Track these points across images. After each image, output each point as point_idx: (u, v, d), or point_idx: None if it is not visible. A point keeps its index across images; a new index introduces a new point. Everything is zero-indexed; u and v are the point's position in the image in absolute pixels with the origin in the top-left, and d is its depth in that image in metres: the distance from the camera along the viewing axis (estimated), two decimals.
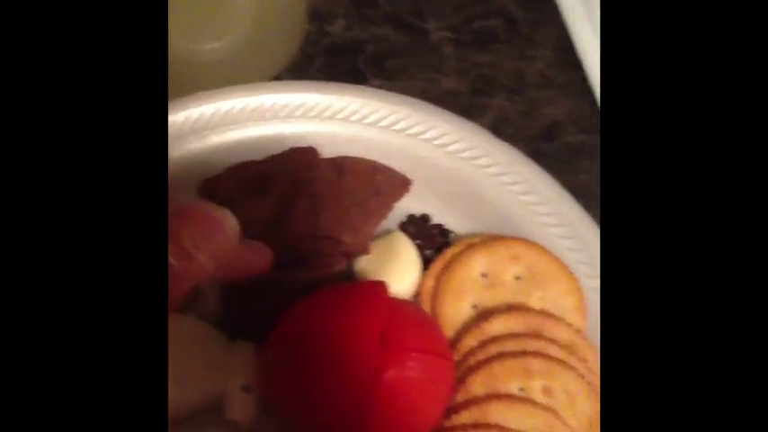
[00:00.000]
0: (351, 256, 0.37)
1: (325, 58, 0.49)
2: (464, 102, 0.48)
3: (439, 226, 0.41)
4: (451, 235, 0.41)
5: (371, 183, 0.38)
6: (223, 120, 0.41)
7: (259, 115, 0.41)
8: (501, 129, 0.47)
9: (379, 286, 0.32)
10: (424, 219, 0.41)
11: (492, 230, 0.40)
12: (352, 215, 0.37)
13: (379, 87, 0.47)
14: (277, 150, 0.41)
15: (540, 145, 0.47)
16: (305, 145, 0.41)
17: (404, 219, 0.41)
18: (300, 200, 0.36)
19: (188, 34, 0.42)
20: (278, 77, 0.47)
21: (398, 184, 0.39)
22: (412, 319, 0.32)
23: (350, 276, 0.38)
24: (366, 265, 0.37)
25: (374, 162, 0.40)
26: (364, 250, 0.37)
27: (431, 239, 0.41)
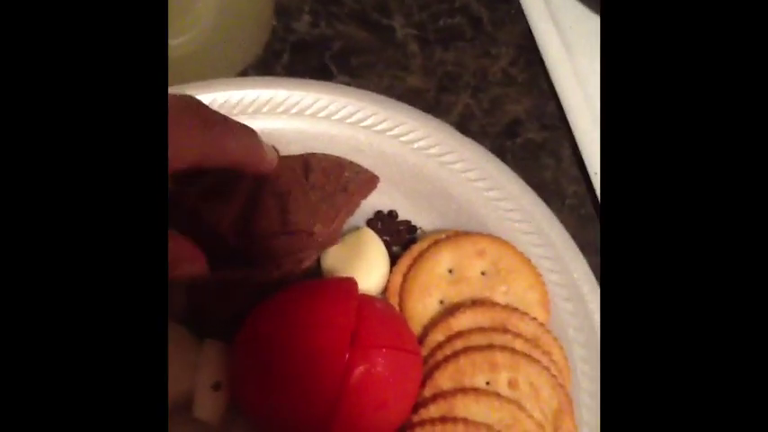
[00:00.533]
0: (322, 247, 0.37)
1: (291, 55, 0.48)
2: (430, 99, 0.49)
3: (406, 222, 0.42)
4: (418, 231, 0.42)
5: (339, 179, 0.39)
6: None
7: (226, 111, 0.41)
8: (466, 126, 0.48)
9: (349, 283, 0.32)
10: (392, 215, 0.42)
11: (458, 226, 0.41)
12: (321, 206, 0.37)
13: (346, 84, 0.48)
14: None
15: (503, 142, 0.48)
16: (271, 141, 0.41)
17: (371, 215, 0.41)
18: (267, 198, 0.36)
19: None
20: (244, 73, 0.47)
21: (366, 181, 0.40)
22: (380, 315, 0.32)
23: (317, 273, 0.38)
24: (334, 261, 0.38)
25: (341, 159, 0.40)
26: (335, 239, 0.37)
27: (398, 235, 0.41)
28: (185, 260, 0.31)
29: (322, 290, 0.32)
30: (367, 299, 0.32)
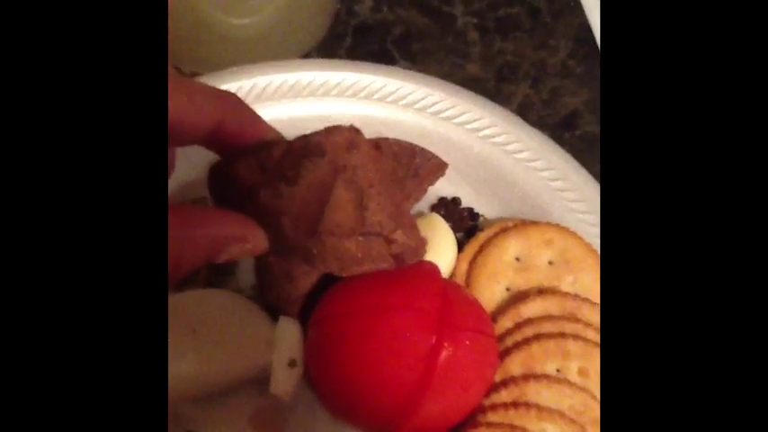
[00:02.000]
0: (403, 259, 0.32)
1: (353, 39, 0.49)
2: (489, 88, 0.49)
3: (469, 209, 0.42)
4: (481, 218, 0.42)
5: (410, 165, 0.39)
6: (260, 95, 0.41)
7: (296, 92, 0.41)
8: (524, 116, 0.48)
9: (432, 266, 0.32)
10: (455, 202, 0.42)
11: (520, 215, 0.41)
12: (407, 210, 0.33)
13: (407, 69, 0.48)
14: (311, 130, 0.41)
15: (561, 133, 0.48)
16: (338, 124, 0.40)
17: (435, 201, 0.42)
18: (341, 188, 0.30)
19: (224, 8, 0.42)
20: (307, 56, 0.47)
21: (435, 167, 0.40)
22: (462, 298, 0.32)
23: None
24: None
25: (412, 144, 0.40)
26: (420, 253, 0.33)
27: (461, 222, 0.42)
28: (239, 239, 0.29)
29: (404, 272, 0.32)
30: (450, 282, 0.33)
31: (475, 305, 0.33)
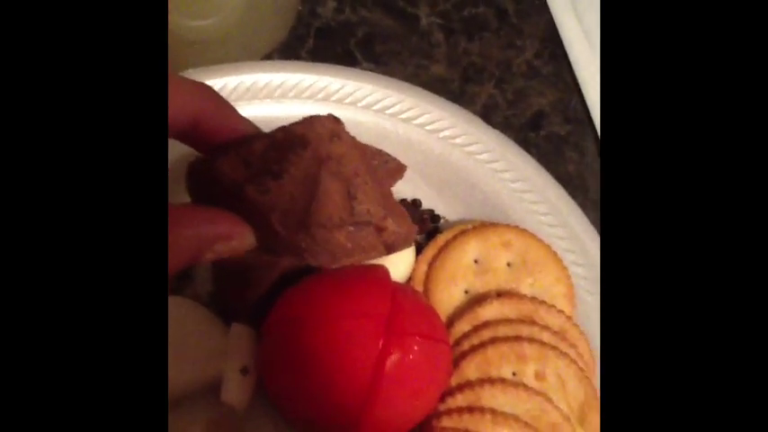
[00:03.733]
0: (394, 247, 0.32)
1: (315, 40, 0.48)
2: (454, 89, 0.48)
3: (430, 211, 0.41)
4: (442, 221, 0.42)
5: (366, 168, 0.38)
6: None
7: (252, 95, 0.41)
8: (490, 117, 0.48)
9: (383, 270, 0.32)
10: (415, 204, 0.42)
11: (481, 217, 0.41)
12: (394, 199, 0.32)
13: (370, 71, 0.47)
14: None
15: (527, 134, 0.48)
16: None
17: None
18: (328, 179, 0.29)
19: (181, 10, 0.41)
20: (268, 57, 0.47)
21: (394, 170, 0.39)
22: (413, 303, 0.32)
23: None
24: None
25: (368, 146, 0.39)
26: (410, 240, 0.32)
27: (421, 224, 0.41)
28: (226, 237, 0.28)
29: (355, 277, 0.31)
30: (400, 287, 0.32)
31: (427, 310, 0.33)
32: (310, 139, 0.30)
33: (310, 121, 0.30)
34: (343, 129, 0.31)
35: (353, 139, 0.31)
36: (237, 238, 0.28)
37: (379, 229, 0.30)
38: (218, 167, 0.30)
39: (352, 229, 0.30)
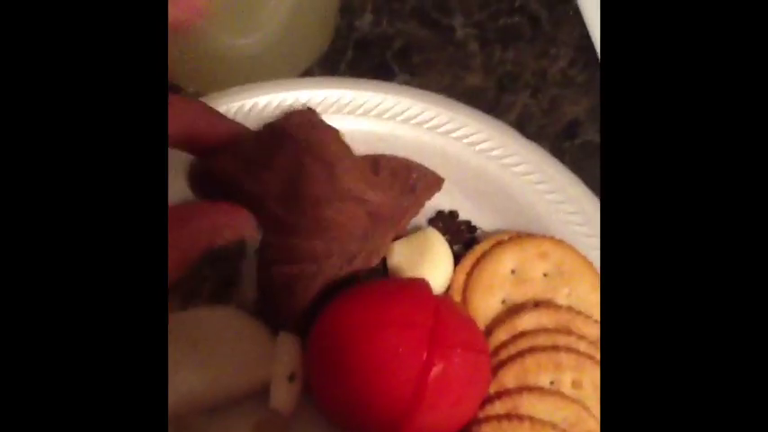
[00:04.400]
0: (378, 216, 0.36)
1: (354, 53, 0.49)
2: (489, 98, 0.49)
3: (467, 222, 0.43)
4: (478, 231, 0.43)
5: (407, 181, 0.40)
6: (260, 115, 0.42)
7: None
8: (524, 126, 0.49)
9: (425, 283, 0.33)
10: (453, 215, 0.43)
11: (517, 227, 0.42)
12: (370, 172, 0.36)
13: (407, 82, 0.49)
14: None
15: (562, 143, 0.49)
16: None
17: (432, 215, 0.42)
18: (311, 164, 0.33)
19: (225, 28, 0.43)
20: (309, 71, 0.48)
21: (432, 183, 0.41)
22: (456, 315, 0.33)
23: (383, 273, 0.39)
24: (400, 260, 0.39)
25: (409, 160, 0.41)
26: (400, 231, 0.36)
27: (458, 235, 0.42)
28: (231, 224, 0.31)
29: (398, 289, 0.33)
30: (442, 299, 0.33)
31: (467, 321, 0.34)
32: (290, 130, 0.34)
33: (288, 114, 0.35)
34: (319, 117, 0.35)
35: (328, 125, 0.35)
36: (242, 224, 0.31)
37: (362, 201, 0.34)
38: (215, 166, 0.33)
39: (338, 203, 0.33)
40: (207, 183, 0.34)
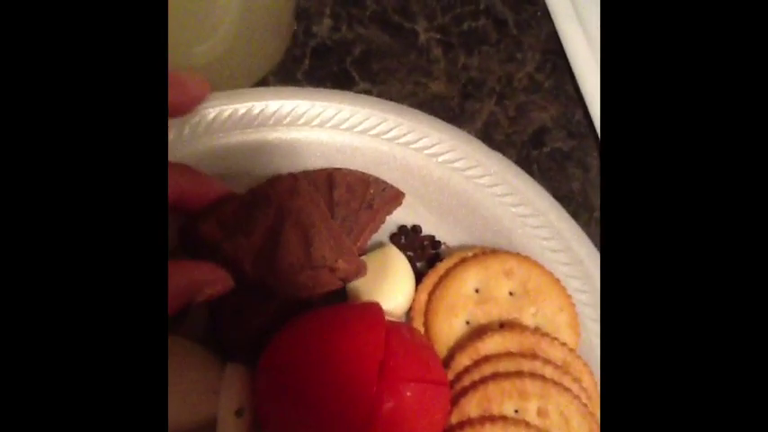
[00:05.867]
0: (347, 280, 0.36)
1: (312, 60, 0.47)
2: (453, 106, 0.47)
3: (430, 237, 0.41)
4: (443, 246, 0.41)
5: (364, 196, 0.38)
6: (210, 127, 0.39)
7: (247, 122, 0.40)
8: (491, 134, 0.47)
9: (376, 310, 0.31)
10: (415, 230, 0.41)
11: (483, 242, 0.40)
12: (343, 236, 0.36)
13: (368, 90, 0.47)
14: (265, 159, 0.40)
15: (529, 151, 0.47)
16: (293, 153, 0.40)
17: (394, 230, 0.40)
18: (289, 231, 0.34)
19: (174, 35, 0.40)
20: (265, 80, 0.46)
21: (391, 198, 0.39)
22: (407, 344, 0.31)
23: (341, 292, 0.37)
24: (359, 280, 0.37)
25: (366, 175, 0.39)
26: (361, 273, 0.36)
27: (422, 251, 0.40)
28: (211, 282, 0.33)
29: (347, 318, 0.31)
30: (394, 327, 0.31)
31: (423, 350, 0.32)
32: (273, 197, 0.35)
33: (272, 181, 0.37)
34: (303, 184, 0.37)
35: (311, 191, 0.37)
36: (220, 282, 0.33)
37: (333, 270, 0.34)
38: (199, 231, 0.35)
39: (310, 272, 0.34)
40: (192, 242, 0.36)
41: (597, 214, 0.45)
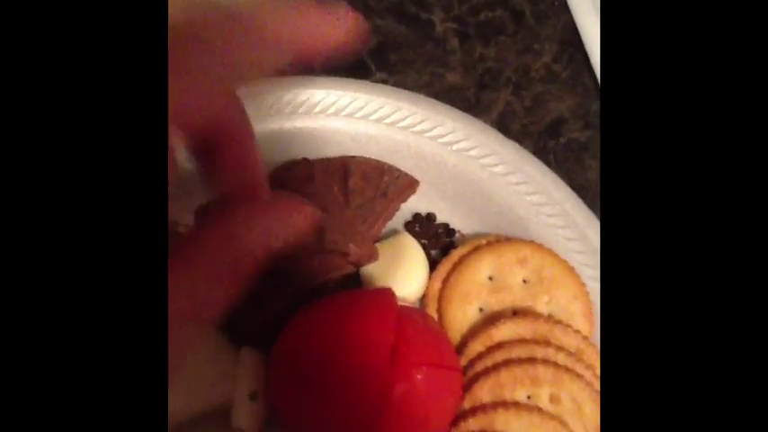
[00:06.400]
0: (360, 264, 0.36)
1: None
2: (470, 96, 0.47)
3: (444, 225, 0.41)
4: (457, 234, 0.41)
5: (378, 184, 0.38)
6: None
7: (264, 112, 0.40)
8: (507, 125, 0.47)
9: (388, 296, 0.31)
10: (430, 218, 0.41)
11: (497, 230, 0.40)
12: (357, 223, 0.36)
13: (384, 81, 0.47)
14: (281, 147, 0.40)
15: (545, 141, 0.47)
16: (309, 141, 0.40)
17: (409, 218, 0.41)
18: None
19: None
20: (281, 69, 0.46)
21: (405, 186, 0.39)
22: (420, 329, 0.31)
23: (356, 279, 0.37)
24: (373, 267, 0.37)
25: (381, 163, 0.39)
26: (373, 257, 0.36)
27: (436, 239, 0.40)
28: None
29: (362, 303, 0.31)
30: (406, 312, 0.32)
31: (435, 335, 0.32)
32: (287, 183, 0.36)
33: (288, 165, 0.37)
34: (316, 170, 0.37)
35: (325, 178, 0.37)
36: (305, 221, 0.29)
37: (344, 254, 0.35)
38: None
39: (321, 256, 0.34)
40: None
41: None
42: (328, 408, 0.29)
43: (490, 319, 0.36)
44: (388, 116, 0.41)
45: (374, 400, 0.28)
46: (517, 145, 0.41)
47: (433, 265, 0.39)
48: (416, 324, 0.31)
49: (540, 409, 0.32)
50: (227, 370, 0.33)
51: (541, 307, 0.36)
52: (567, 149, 0.47)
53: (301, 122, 0.41)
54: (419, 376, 0.28)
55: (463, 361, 0.35)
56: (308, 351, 0.30)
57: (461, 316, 0.36)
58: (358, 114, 0.41)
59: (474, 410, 0.33)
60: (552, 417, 0.32)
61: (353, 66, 0.47)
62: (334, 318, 0.30)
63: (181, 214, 0.34)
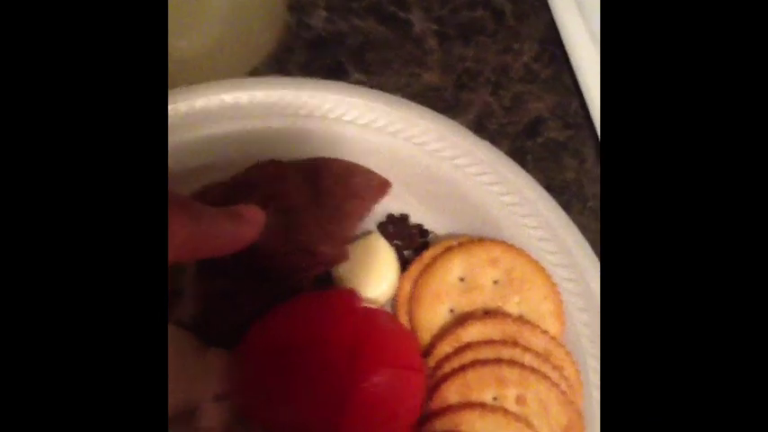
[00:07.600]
0: (329, 265, 0.36)
1: (305, 52, 0.48)
2: (448, 97, 0.47)
3: (418, 226, 0.41)
4: (431, 235, 0.41)
5: (349, 185, 0.38)
6: (198, 117, 0.40)
7: (235, 113, 0.40)
8: (485, 125, 0.47)
9: (350, 296, 0.31)
10: (403, 218, 0.41)
11: (471, 231, 0.40)
12: (328, 224, 0.36)
13: (362, 82, 0.47)
14: (253, 149, 0.40)
15: (524, 141, 0.46)
16: (281, 143, 0.40)
17: (383, 218, 0.40)
18: (271, 216, 0.34)
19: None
20: (255, 71, 0.46)
21: (377, 187, 0.39)
22: (382, 330, 0.31)
23: (327, 280, 0.37)
24: (344, 267, 0.37)
25: (352, 163, 0.39)
26: (343, 258, 0.36)
27: (410, 239, 0.40)
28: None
29: (321, 305, 0.31)
30: (370, 313, 0.32)
31: (398, 335, 0.32)
32: (257, 183, 0.36)
33: (259, 165, 0.37)
34: (288, 169, 0.37)
35: (296, 178, 0.37)
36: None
37: (313, 254, 0.35)
38: None
39: (291, 256, 0.34)
40: None
41: (591, 204, 0.45)
42: (291, 408, 0.29)
43: (459, 321, 0.36)
44: (361, 117, 0.41)
45: (334, 401, 0.28)
46: (491, 145, 0.41)
47: (406, 265, 0.39)
48: (379, 325, 0.31)
49: (505, 410, 0.32)
50: (194, 369, 0.33)
51: (512, 307, 0.36)
52: (545, 149, 0.46)
53: (273, 123, 0.41)
54: (380, 378, 0.28)
55: (431, 362, 0.34)
56: (271, 351, 0.30)
57: (432, 317, 0.36)
58: (331, 115, 0.41)
59: (441, 411, 0.33)
60: (518, 417, 0.32)
61: (331, 67, 0.47)
62: (297, 318, 0.31)
63: None
